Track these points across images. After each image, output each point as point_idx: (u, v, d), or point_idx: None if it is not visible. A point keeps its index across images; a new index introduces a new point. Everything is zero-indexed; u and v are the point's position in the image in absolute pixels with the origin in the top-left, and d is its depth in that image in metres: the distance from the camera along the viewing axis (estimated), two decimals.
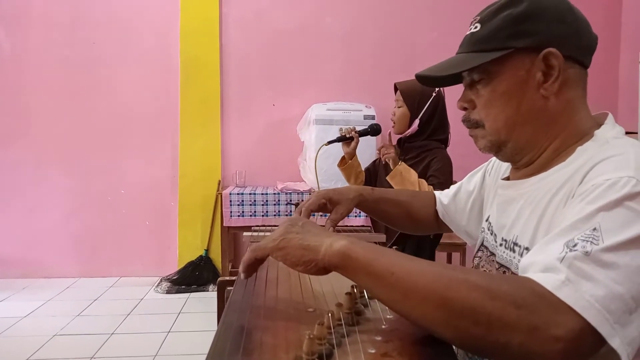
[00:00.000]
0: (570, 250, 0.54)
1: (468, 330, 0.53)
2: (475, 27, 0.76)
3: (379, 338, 0.61)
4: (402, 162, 1.80)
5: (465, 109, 0.81)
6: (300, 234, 0.68)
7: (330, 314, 0.62)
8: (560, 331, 0.50)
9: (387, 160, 1.83)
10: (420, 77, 0.83)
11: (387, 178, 1.77)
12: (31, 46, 3.60)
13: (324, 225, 0.94)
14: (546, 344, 0.50)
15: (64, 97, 3.64)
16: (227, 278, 1.14)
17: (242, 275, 0.73)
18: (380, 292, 0.59)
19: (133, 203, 3.71)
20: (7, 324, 2.79)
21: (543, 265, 0.55)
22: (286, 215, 3.26)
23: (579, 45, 0.73)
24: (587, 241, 0.54)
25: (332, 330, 0.60)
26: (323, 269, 0.64)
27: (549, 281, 0.52)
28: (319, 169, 2.01)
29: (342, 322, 0.63)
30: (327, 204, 1.00)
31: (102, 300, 3.26)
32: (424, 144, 1.87)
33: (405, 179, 1.72)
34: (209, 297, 3.33)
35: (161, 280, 3.57)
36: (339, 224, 1.00)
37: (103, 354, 2.45)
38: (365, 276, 0.60)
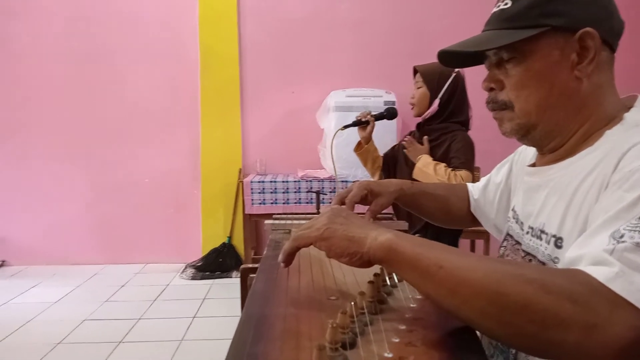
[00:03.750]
0: (618, 242, 0.52)
1: (521, 326, 0.51)
2: (505, 4, 0.73)
3: (402, 327, 0.61)
4: (420, 157, 1.79)
5: (491, 89, 0.77)
6: (344, 224, 0.67)
7: (353, 303, 0.62)
8: (620, 329, 0.48)
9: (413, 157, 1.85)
10: (443, 54, 0.80)
11: (413, 176, 1.78)
12: (50, 38, 3.65)
13: (363, 214, 0.94)
14: (605, 342, 0.48)
15: (86, 88, 3.70)
16: (250, 265, 1.15)
17: (282, 265, 0.73)
18: (427, 287, 0.58)
19: (157, 191, 3.78)
20: (38, 309, 2.89)
21: (592, 258, 0.53)
22: (307, 203, 3.27)
23: (611, 27, 0.70)
24: (635, 231, 0.52)
25: (355, 319, 0.59)
26: (367, 262, 0.64)
27: (602, 274, 0.50)
28: (337, 156, 2.00)
29: (365, 310, 0.63)
30: (368, 195, 0.99)
31: (129, 286, 3.34)
32: (444, 126, 1.84)
33: (426, 173, 1.73)
34: (232, 284, 3.38)
35: (186, 267, 3.64)
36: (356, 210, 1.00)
37: (131, 338, 2.52)
38: (411, 271, 0.59)
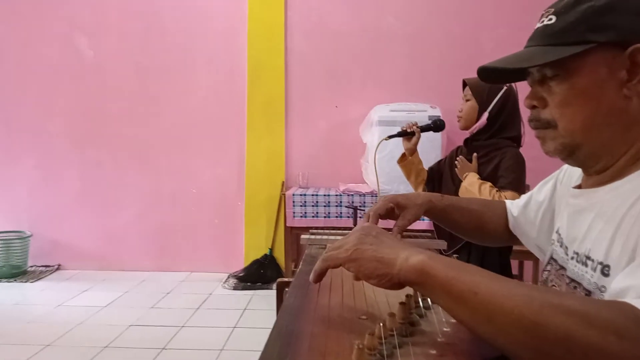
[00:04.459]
0: None
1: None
2: (550, 19, 0.70)
3: (433, 351, 0.59)
4: (467, 175, 1.72)
5: (534, 107, 0.74)
6: (374, 244, 0.65)
7: (381, 324, 0.60)
8: None
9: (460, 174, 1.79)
10: (483, 70, 0.78)
11: (459, 194, 1.73)
12: (109, 54, 3.87)
13: (391, 229, 0.92)
14: None
15: (139, 101, 3.88)
16: (286, 279, 1.15)
17: (313, 282, 0.72)
18: (461, 313, 0.56)
19: (203, 202, 3.88)
20: (89, 313, 3.02)
21: None
22: (348, 217, 3.26)
23: None
24: None
25: (383, 340, 0.58)
26: (398, 284, 0.62)
27: None
28: (380, 170, 1.96)
29: (395, 332, 0.62)
30: (394, 209, 0.97)
31: (174, 294, 3.43)
32: (493, 142, 1.76)
33: (471, 192, 1.66)
34: (272, 295, 3.40)
35: (228, 277, 3.71)
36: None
37: (174, 345, 2.58)
38: (444, 295, 0.57)
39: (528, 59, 0.71)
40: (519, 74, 0.77)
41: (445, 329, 0.66)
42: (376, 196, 3.23)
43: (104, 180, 3.91)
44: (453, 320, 0.68)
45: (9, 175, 3.93)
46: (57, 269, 3.93)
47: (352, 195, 3.31)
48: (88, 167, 3.91)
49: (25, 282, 3.63)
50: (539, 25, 0.73)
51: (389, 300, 0.75)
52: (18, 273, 3.72)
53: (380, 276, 0.62)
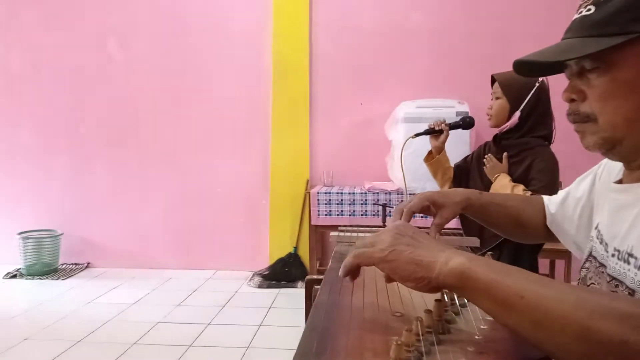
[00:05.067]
0: None
1: None
2: (588, 10, 0.67)
3: (471, 349, 0.58)
4: (498, 176, 1.68)
5: (572, 100, 0.72)
6: (411, 246, 0.63)
7: (418, 321, 0.59)
8: None
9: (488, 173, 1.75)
10: (519, 64, 0.75)
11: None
12: (137, 56, 3.94)
13: (427, 228, 0.90)
14: None
15: (166, 101, 3.93)
16: (315, 277, 1.15)
17: (347, 279, 0.70)
18: (506, 317, 0.54)
19: (228, 201, 3.91)
20: (118, 310, 3.08)
21: None
22: (373, 215, 3.24)
23: None
24: None
25: (421, 337, 0.57)
26: (436, 288, 0.60)
27: None
28: (406, 168, 1.93)
29: (432, 329, 0.60)
30: (430, 206, 0.94)
31: (201, 291, 3.47)
32: (525, 141, 1.70)
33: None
34: (297, 294, 3.41)
35: (254, 275, 3.73)
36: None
37: (200, 342, 2.61)
38: (487, 299, 0.55)
39: (566, 52, 0.69)
40: (556, 67, 0.74)
41: (482, 327, 0.64)
42: (402, 194, 3.20)
43: (133, 180, 3.98)
44: (489, 318, 0.66)
45: (41, 176, 4.04)
46: (87, 266, 4.03)
47: (378, 193, 3.29)
48: (117, 168, 3.99)
49: (56, 279, 3.72)
50: (576, 16, 0.70)
51: (424, 297, 0.74)
52: (49, 271, 3.82)
53: (418, 279, 0.61)
